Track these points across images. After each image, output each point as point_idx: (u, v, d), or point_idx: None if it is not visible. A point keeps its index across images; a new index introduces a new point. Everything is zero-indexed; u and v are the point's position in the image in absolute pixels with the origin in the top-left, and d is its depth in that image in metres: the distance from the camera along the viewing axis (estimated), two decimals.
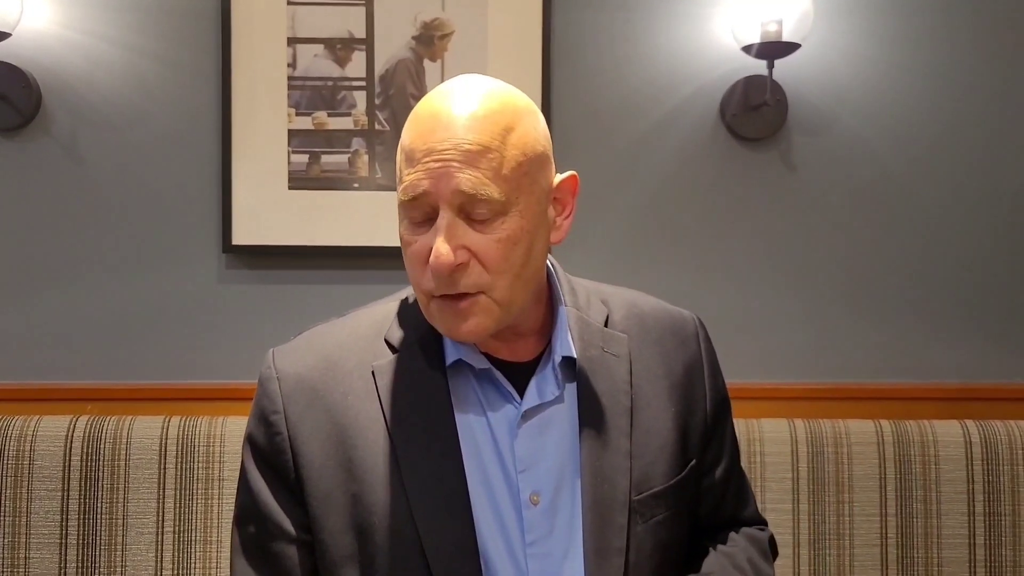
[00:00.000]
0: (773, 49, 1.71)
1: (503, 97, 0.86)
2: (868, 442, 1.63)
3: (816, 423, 1.65)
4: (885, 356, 1.84)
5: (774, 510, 1.60)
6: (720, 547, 1.02)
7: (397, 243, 1.80)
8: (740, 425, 1.56)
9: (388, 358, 0.92)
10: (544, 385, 0.92)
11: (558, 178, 0.91)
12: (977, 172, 1.85)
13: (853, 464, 1.62)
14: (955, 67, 1.84)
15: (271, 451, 0.91)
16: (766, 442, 1.62)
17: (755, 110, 1.78)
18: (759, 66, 1.76)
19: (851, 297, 1.85)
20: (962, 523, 1.61)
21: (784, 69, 1.76)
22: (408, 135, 0.85)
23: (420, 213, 0.84)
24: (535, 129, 0.87)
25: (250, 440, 0.94)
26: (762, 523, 1.09)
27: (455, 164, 0.81)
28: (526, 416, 0.91)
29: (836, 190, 1.84)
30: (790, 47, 1.71)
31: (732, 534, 1.04)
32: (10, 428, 1.55)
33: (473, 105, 0.83)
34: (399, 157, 0.86)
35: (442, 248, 0.81)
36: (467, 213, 0.83)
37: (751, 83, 1.78)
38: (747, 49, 1.73)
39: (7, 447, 1.54)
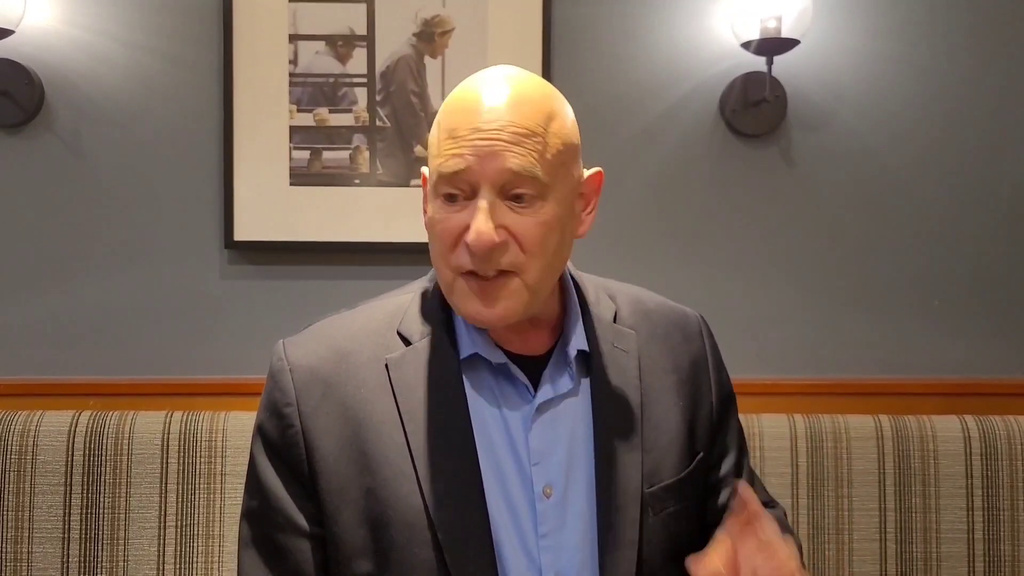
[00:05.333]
0: (772, 45, 1.71)
1: (543, 86, 0.89)
2: (867, 437, 1.63)
3: (815, 418, 1.65)
4: (884, 351, 1.85)
5: None
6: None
7: (398, 239, 1.83)
8: (739, 420, 1.57)
9: (402, 351, 0.92)
10: (558, 378, 0.93)
11: (585, 173, 0.92)
12: (976, 167, 1.85)
13: (852, 459, 1.62)
14: (954, 62, 1.84)
15: (283, 444, 0.91)
16: (766, 437, 1.63)
17: (754, 106, 1.78)
18: (758, 62, 1.76)
19: (850, 292, 1.85)
20: (961, 518, 1.61)
21: (783, 65, 1.76)
22: (450, 117, 0.85)
23: (456, 191, 0.84)
24: (571, 121, 0.89)
25: (261, 433, 0.93)
26: (773, 503, 1.09)
27: (502, 143, 0.82)
28: (540, 409, 0.91)
29: (835, 186, 1.84)
30: (789, 43, 1.71)
31: None
32: (13, 423, 1.56)
33: (517, 90, 0.85)
34: (435, 137, 0.87)
35: (484, 226, 0.81)
36: (508, 194, 0.83)
37: (750, 79, 1.78)
38: (746, 45, 1.73)
39: (10, 442, 1.54)
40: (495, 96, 0.84)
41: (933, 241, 1.85)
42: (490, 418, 0.91)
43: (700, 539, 1.00)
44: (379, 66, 1.77)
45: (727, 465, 1.04)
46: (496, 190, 0.83)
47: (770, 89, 1.75)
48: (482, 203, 0.82)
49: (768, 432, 1.63)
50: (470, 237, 0.82)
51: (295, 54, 1.76)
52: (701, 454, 0.98)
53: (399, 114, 1.78)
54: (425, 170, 0.93)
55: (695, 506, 0.98)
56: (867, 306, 1.85)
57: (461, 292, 0.86)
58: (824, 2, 1.79)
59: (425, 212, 0.93)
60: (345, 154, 1.78)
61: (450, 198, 0.85)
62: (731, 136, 1.82)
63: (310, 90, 1.77)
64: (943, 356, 1.85)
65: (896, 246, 1.85)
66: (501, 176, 0.82)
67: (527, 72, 0.90)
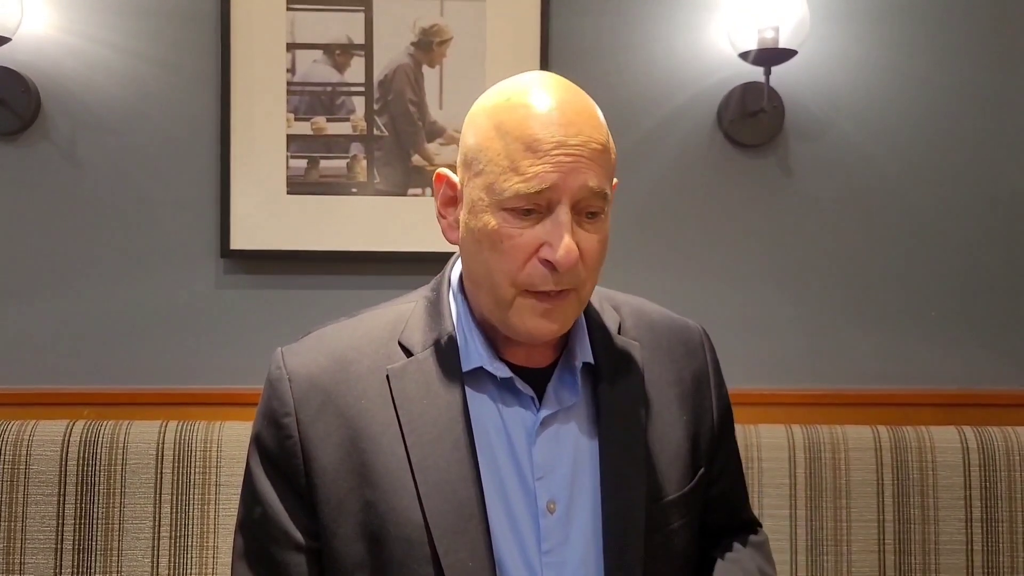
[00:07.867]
0: (770, 56, 1.71)
1: (593, 101, 0.88)
2: (866, 448, 1.63)
3: (814, 429, 1.65)
4: (882, 362, 1.85)
5: (772, 516, 1.60)
6: (728, 554, 1.00)
7: (395, 248, 1.82)
8: (738, 431, 1.55)
9: (403, 362, 0.90)
10: (563, 391, 0.91)
11: None
12: (973, 177, 1.86)
13: (851, 470, 1.62)
14: (951, 73, 1.84)
15: (281, 455, 0.89)
16: (764, 448, 1.62)
17: (752, 116, 1.79)
18: (756, 73, 1.76)
19: (848, 303, 1.85)
20: (959, 529, 1.61)
21: (781, 76, 1.77)
22: (525, 124, 0.82)
23: (532, 205, 0.82)
24: None
25: (258, 443, 0.91)
26: (757, 524, 1.09)
27: (585, 160, 0.81)
28: (545, 423, 0.89)
29: (833, 196, 1.84)
30: (787, 54, 1.71)
31: (735, 543, 1.02)
32: (7, 432, 1.55)
33: (587, 104, 0.86)
34: (501, 146, 0.82)
35: (572, 244, 0.81)
36: (580, 211, 0.83)
37: (748, 90, 1.78)
38: (744, 56, 1.73)
39: (3, 451, 1.53)
40: (573, 108, 0.83)
41: (931, 251, 1.86)
42: (493, 432, 0.89)
43: (696, 557, 1.00)
44: (377, 75, 1.77)
45: (726, 479, 1.03)
46: (571, 205, 0.82)
47: (768, 99, 1.76)
48: (564, 218, 0.81)
49: (766, 442, 1.63)
50: (558, 254, 0.80)
51: (293, 62, 1.76)
52: (703, 469, 0.97)
53: (397, 123, 1.77)
54: (449, 172, 0.90)
55: (696, 521, 0.96)
56: (865, 316, 1.85)
57: (521, 309, 0.84)
58: (822, 12, 1.80)
59: (443, 217, 0.91)
60: (342, 163, 1.77)
61: (523, 212, 0.82)
62: (729, 146, 1.83)
63: (307, 99, 1.76)
64: (941, 367, 1.85)
65: (894, 256, 1.85)
66: (580, 192, 0.81)
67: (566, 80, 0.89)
